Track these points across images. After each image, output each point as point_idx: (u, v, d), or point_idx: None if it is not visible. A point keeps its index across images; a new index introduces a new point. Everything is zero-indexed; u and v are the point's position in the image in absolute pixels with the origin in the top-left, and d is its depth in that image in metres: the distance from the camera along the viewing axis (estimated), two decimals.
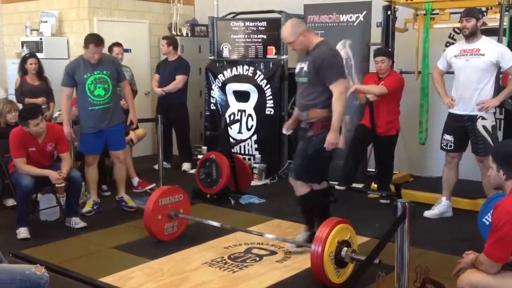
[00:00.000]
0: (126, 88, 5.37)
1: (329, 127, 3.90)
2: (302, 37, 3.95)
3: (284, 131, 4.45)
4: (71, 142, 5.29)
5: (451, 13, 5.61)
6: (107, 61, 5.17)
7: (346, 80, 4.10)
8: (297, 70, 4.14)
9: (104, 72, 5.06)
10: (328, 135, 3.88)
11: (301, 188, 4.09)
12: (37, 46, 7.28)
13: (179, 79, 6.85)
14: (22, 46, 7.35)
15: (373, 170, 5.97)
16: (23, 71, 6.33)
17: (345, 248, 3.56)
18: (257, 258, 4.07)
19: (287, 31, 3.98)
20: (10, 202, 5.37)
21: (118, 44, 6.40)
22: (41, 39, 7.32)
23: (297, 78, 4.13)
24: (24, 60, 6.34)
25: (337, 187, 5.51)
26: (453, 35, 6.24)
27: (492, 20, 5.29)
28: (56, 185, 4.90)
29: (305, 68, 3.99)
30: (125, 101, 5.49)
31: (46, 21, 7.45)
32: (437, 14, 5.69)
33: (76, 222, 4.80)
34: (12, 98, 6.40)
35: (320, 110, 3.94)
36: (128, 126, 5.57)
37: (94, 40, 4.97)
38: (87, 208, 5.22)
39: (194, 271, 3.86)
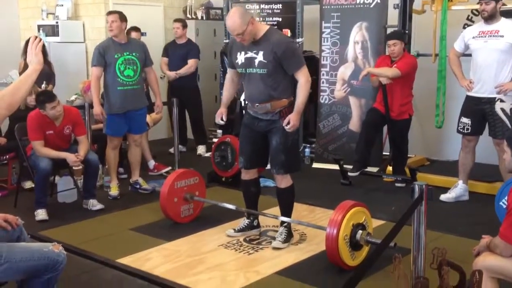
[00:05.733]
0: (152, 73, 5.40)
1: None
2: (251, 25, 3.67)
3: (218, 121, 4.12)
4: (88, 125, 5.32)
5: None
6: (136, 44, 5.30)
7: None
8: (242, 60, 3.83)
9: (134, 54, 5.14)
10: (293, 117, 3.76)
11: (286, 181, 3.99)
12: (53, 30, 7.30)
13: (192, 63, 6.81)
14: (38, 30, 7.37)
15: (388, 153, 5.93)
16: (26, 54, 6.36)
17: (360, 231, 3.56)
18: (272, 241, 4.08)
19: (235, 22, 3.64)
20: (28, 184, 5.43)
21: (136, 29, 6.40)
22: (57, 22, 7.33)
23: (245, 69, 3.85)
24: (27, 43, 6.37)
25: (350, 173, 5.48)
26: (471, 17, 6.15)
27: (510, 1, 5.21)
28: (74, 168, 4.95)
29: (260, 58, 3.74)
30: (150, 87, 5.53)
31: (62, 5, 7.46)
32: None
33: (94, 204, 4.86)
34: None
35: (284, 99, 3.84)
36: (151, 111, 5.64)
37: (109, 12, 5.21)
38: (114, 191, 5.24)
39: (210, 253, 3.90)
